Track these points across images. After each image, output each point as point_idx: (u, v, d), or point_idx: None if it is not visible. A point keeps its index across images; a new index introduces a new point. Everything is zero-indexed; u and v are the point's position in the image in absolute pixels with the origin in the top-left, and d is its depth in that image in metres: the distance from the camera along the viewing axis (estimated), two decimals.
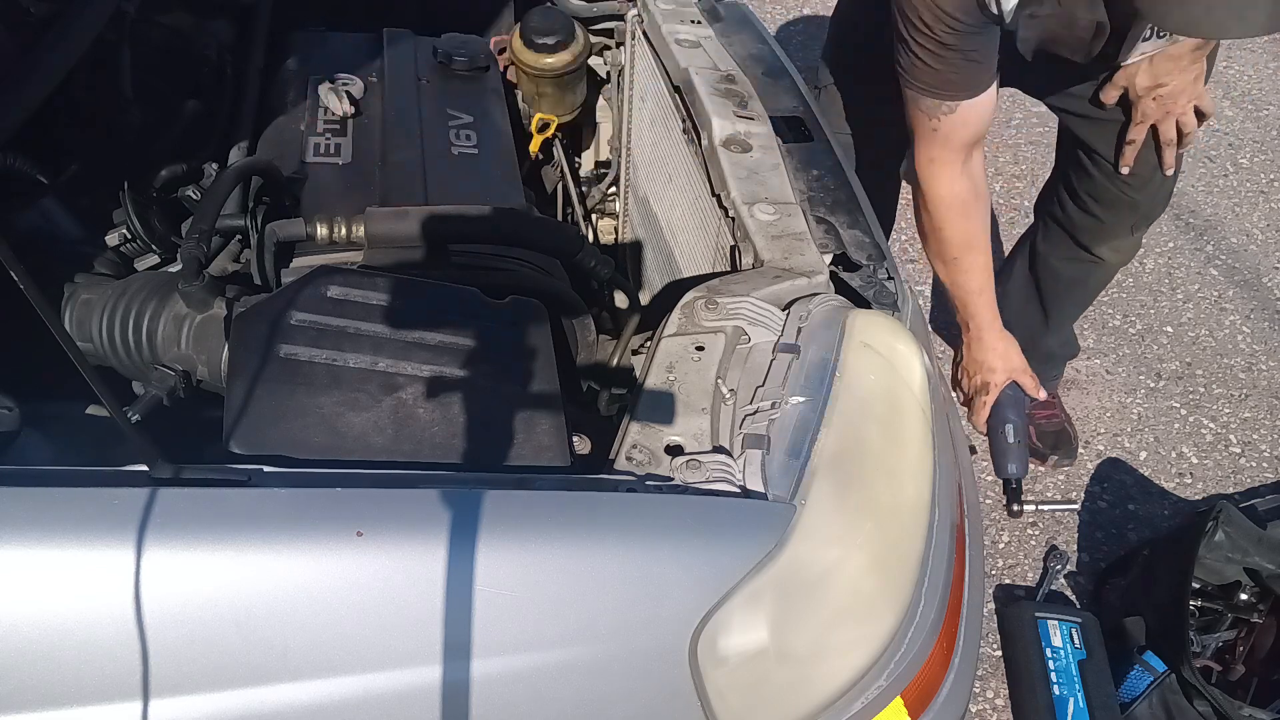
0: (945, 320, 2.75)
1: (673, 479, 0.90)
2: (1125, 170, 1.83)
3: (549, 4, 1.73)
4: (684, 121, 1.48)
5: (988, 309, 1.77)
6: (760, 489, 0.90)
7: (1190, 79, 1.67)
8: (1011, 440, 1.71)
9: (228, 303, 1.16)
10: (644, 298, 1.73)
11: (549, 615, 0.83)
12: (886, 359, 1.04)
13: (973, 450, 2.28)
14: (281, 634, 0.80)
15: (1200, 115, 1.74)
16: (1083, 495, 2.34)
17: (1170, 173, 1.85)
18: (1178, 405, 2.57)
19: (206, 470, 0.82)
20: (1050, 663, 1.91)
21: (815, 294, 1.15)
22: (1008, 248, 2.21)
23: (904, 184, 2.15)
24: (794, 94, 1.51)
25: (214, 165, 1.41)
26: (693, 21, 1.61)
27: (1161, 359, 2.70)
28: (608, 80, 1.85)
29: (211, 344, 1.15)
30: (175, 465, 0.80)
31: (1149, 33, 1.57)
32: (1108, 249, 2.06)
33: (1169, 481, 2.38)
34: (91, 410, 1.16)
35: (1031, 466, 2.38)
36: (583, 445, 1.03)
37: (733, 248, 1.27)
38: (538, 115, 1.72)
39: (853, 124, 2.03)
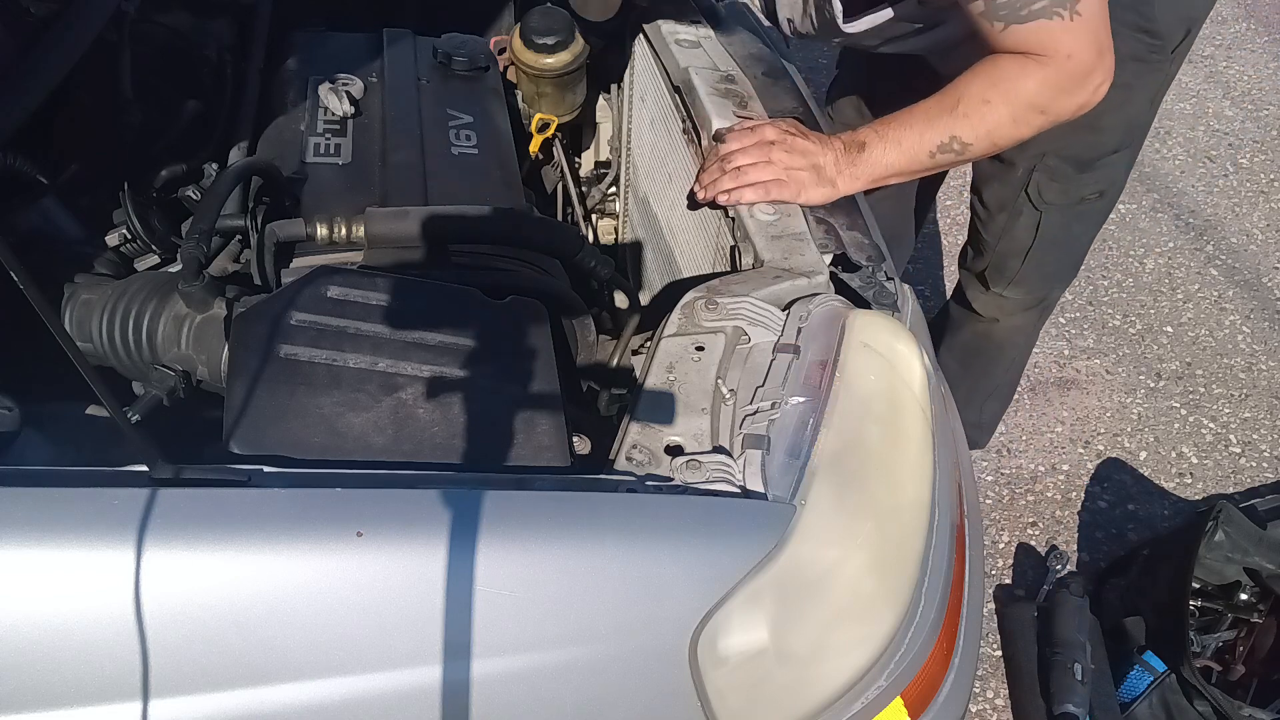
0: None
1: (673, 479, 0.90)
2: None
3: (549, 4, 1.73)
4: (684, 121, 1.48)
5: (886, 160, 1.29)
6: (760, 489, 0.90)
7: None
8: (1079, 678, 1.71)
9: (228, 303, 1.15)
10: (644, 298, 1.73)
11: (549, 615, 0.83)
12: (886, 359, 1.04)
13: None
14: (281, 634, 0.80)
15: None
16: (1083, 495, 2.34)
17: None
18: (1178, 405, 2.57)
19: (206, 470, 0.82)
20: None
21: (815, 294, 1.15)
22: None
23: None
24: (794, 94, 1.50)
25: (214, 165, 1.41)
26: (693, 21, 1.61)
27: (1161, 359, 2.70)
28: None
29: (211, 344, 1.15)
30: (175, 465, 0.80)
31: None
32: (971, 296, 1.95)
33: (1169, 481, 2.38)
34: (91, 410, 1.16)
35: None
36: (583, 445, 1.03)
37: (733, 248, 1.27)
38: (538, 115, 1.71)
39: None
